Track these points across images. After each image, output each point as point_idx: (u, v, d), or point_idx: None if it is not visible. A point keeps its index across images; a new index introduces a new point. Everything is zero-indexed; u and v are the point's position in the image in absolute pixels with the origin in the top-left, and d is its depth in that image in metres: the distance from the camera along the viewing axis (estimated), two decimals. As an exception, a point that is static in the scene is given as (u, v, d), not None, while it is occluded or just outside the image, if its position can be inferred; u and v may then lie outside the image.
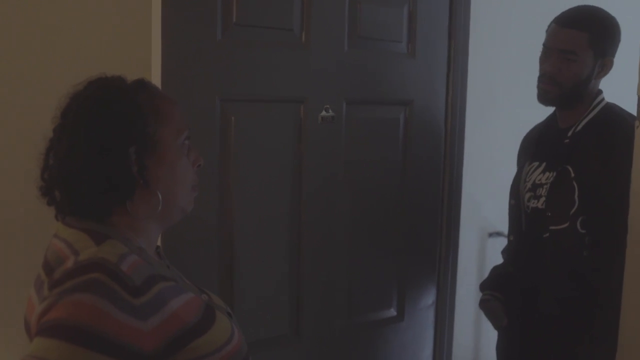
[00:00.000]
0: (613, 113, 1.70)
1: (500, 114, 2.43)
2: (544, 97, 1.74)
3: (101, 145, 0.95)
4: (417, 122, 2.19)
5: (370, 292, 2.18)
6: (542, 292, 1.74)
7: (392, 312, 2.25)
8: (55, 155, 1.00)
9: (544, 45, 1.73)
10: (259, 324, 1.89)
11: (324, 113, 1.94)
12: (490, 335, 2.05)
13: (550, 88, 1.70)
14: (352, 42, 1.98)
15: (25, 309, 1.02)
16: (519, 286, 1.83)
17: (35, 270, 1.02)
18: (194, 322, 0.96)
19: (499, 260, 2.02)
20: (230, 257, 1.83)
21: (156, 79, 1.59)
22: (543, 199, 1.72)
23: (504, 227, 2.39)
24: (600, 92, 1.74)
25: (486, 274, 2.05)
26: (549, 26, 1.75)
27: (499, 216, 2.38)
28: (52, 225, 1.05)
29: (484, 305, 1.91)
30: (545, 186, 1.72)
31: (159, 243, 1.14)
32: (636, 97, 1.28)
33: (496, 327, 1.89)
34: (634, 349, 1.32)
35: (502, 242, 2.31)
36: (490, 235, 2.50)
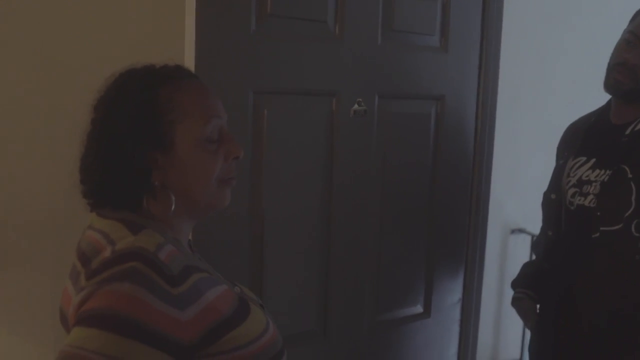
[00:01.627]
0: None
1: (527, 111, 2.40)
2: (614, 87, 1.63)
3: (113, 142, 0.96)
4: (448, 118, 2.16)
5: (397, 289, 2.16)
6: (584, 295, 1.66)
7: (419, 308, 2.24)
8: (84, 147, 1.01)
9: (633, 33, 1.60)
10: (286, 320, 1.88)
11: (356, 107, 1.92)
12: (510, 334, 1.99)
13: (625, 80, 1.60)
14: (386, 35, 1.96)
15: (60, 300, 1.02)
16: (556, 285, 1.77)
17: (62, 263, 1.02)
18: (229, 313, 0.95)
19: (521, 257, 1.96)
20: (261, 252, 1.83)
21: (189, 71, 1.59)
22: (592, 197, 1.65)
23: (526, 224, 2.36)
24: None
25: (508, 271, 1.99)
26: (638, 14, 1.64)
27: (520, 213, 2.35)
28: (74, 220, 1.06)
29: (516, 304, 1.85)
30: (594, 184, 1.65)
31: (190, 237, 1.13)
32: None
33: (529, 326, 1.84)
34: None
35: (524, 239, 2.27)
36: (512, 232, 2.47)
